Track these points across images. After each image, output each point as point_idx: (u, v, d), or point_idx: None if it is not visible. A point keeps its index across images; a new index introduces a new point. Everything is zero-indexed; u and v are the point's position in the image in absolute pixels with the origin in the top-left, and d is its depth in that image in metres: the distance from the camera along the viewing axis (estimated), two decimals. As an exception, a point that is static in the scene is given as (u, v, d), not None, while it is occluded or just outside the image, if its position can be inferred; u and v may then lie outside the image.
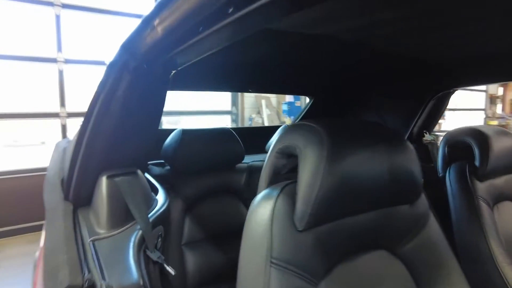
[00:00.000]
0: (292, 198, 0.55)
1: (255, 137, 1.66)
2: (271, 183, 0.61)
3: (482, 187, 1.15)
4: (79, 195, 0.81)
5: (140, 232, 0.75)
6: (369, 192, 0.58)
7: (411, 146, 0.65)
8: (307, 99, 5.24)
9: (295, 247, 0.52)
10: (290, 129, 0.61)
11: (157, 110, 0.85)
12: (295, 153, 0.57)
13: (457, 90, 1.47)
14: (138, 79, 0.71)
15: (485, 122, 8.51)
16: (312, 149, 0.54)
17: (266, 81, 1.69)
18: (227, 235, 1.32)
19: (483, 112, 8.73)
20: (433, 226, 0.71)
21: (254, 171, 1.46)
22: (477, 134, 1.19)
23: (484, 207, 1.11)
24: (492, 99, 8.89)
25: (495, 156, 1.14)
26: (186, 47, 0.56)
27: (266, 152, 1.69)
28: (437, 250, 0.70)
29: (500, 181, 1.21)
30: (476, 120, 8.43)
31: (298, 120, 2.11)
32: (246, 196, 1.41)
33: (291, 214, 0.54)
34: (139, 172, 0.88)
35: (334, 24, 0.85)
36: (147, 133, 0.87)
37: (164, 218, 0.88)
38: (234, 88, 2.17)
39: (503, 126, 8.26)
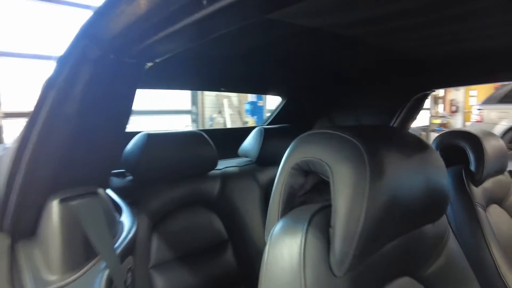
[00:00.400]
0: (324, 232, 0.42)
1: (227, 140, 1.52)
2: (286, 209, 0.48)
3: (477, 192, 1.13)
4: (19, 224, 0.62)
5: (107, 272, 0.58)
6: (408, 214, 0.48)
7: (439, 156, 0.57)
8: (268, 99, 5.22)
9: None
10: (308, 139, 0.48)
11: (124, 113, 0.69)
12: (321, 171, 0.45)
13: (435, 91, 1.46)
14: (101, 73, 0.55)
15: (430, 121, 9.13)
16: (349, 166, 0.41)
17: (239, 80, 1.58)
18: (201, 253, 1.19)
19: (428, 111, 9.35)
20: (454, 244, 0.65)
21: (228, 178, 1.32)
22: (470, 138, 1.16)
23: (482, 213, 1.09)
24: (435, 100, 9.57)
25: (490, 161, 1.12)
26: (176, 30, 0.41)
27: (239, 157, 1.58)
28: (459, 269, 0.64)
29: (488, 184, 1.21)
30: (422, 118, 8.99)
31: (269, 121, 2.00)
32: (220, 207, 1.27)
33: (326, 254, 0.41)
34: (101, 191, 0.71)
35: (319, 16, 0.78)
36: (111, 141, 0.70)
37: (133, 246, 0.72)
38: (205, 87, 2.02)
39: (444, 124, 8.97)
